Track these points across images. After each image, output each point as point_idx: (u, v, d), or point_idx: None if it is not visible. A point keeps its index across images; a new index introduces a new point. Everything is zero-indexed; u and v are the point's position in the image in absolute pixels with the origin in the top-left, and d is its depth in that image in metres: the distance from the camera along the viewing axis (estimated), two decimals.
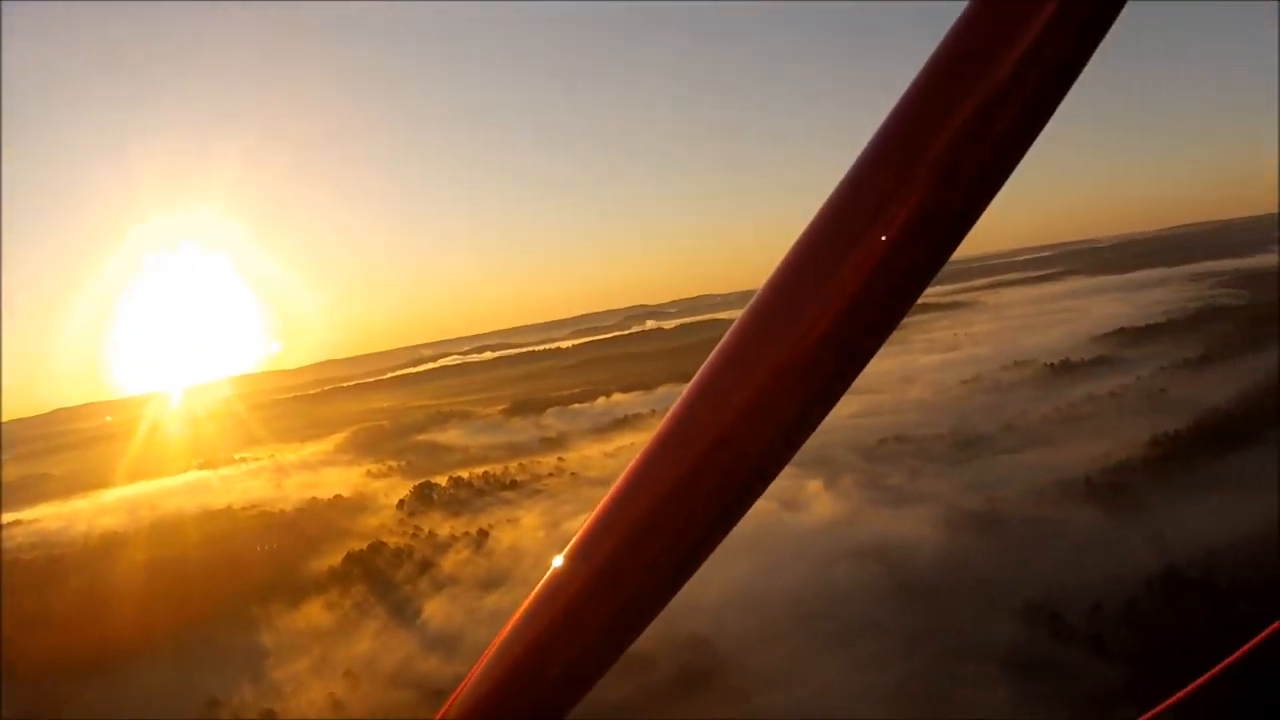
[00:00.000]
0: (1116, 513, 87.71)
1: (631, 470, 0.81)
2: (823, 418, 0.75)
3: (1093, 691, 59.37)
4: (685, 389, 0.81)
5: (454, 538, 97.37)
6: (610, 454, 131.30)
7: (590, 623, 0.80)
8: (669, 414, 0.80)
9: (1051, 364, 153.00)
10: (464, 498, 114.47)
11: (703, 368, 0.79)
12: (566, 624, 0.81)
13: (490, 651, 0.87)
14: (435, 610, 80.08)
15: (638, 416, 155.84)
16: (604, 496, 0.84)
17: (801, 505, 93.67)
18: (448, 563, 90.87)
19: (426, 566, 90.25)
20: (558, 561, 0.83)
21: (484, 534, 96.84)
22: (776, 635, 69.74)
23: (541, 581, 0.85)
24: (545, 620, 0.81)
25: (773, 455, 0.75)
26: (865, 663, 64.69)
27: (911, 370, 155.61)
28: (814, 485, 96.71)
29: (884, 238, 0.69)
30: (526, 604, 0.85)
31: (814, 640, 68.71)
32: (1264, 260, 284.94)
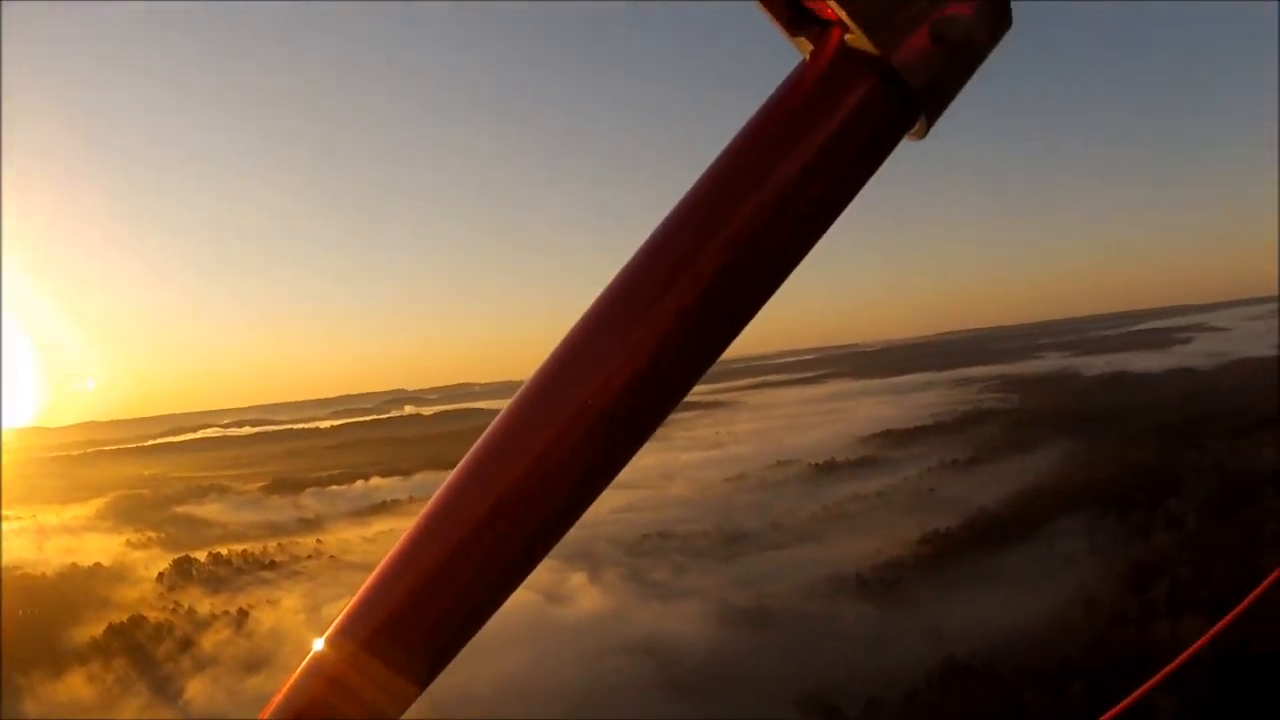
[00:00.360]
0: (890, 608, 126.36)
1: (401, 545, 1.36)
2: (597, 494, 1.30)
3: None
4: (462, 461, 1.31)
5: (214, 616, 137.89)
6: (369, 539, 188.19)
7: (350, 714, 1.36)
8: (445, 484, 1.32)
9: (817, 464, 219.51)
10: (223, 575, 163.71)
11: (481, 439, 1.32)
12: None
13: None
14: (197, 691, 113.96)
15: (396, 502, 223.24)
16: (370, 575, 1.39)
17: (567, 598, 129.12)
18: (208, 641, 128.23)
19: (187, 644, 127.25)
20: (318, 644, 1.41)
21: (244, 614, 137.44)
22: None
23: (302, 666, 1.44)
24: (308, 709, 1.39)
25: (543, 532, 1.29)
26: None
27: (673, 467, 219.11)
28: (578, 578, 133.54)
29: (663, 323, 1.21)
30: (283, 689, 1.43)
31: None
32: (1029, 366, 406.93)
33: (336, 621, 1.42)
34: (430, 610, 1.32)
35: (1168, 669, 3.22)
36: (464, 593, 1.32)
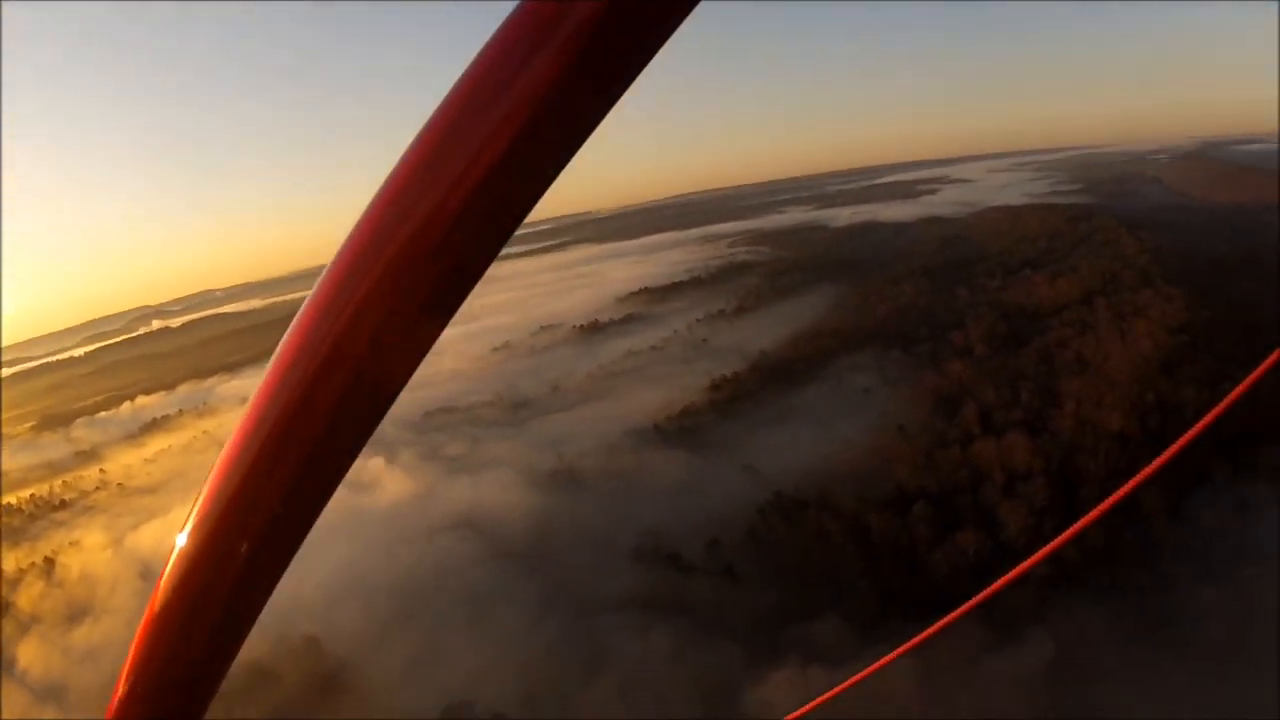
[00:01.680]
0: (698, 453, 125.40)
1: (227, 453, 1.52)
2: (396, 391, 1.49)
3: (746, 616, 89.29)
4: (270, 363, 1.48)
5: (21, 571, 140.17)
6: (149, 459, 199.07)
7: (217, 599, 1.57)
8: (261, 385, 1.48)
9: (581, 326, 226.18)
10: (18, 525, 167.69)
11: (273, 359, 1.48)
12: (195, 605, 1.58)
13: (133, 651, 1.67)
14: (30, 656, 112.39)
15: (166, 418, 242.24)
16: (206, 482, 1.55)
17: (372, 485, 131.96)
18: (23, 599, 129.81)
19: (3, 608, 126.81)
20: (180, 542, 1.57)
21: (50, 562, 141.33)
22: (401, 623, 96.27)
23: (164, 572, 1.60)
24: (176, 607, 1.59)
25: (351, 431, 1.47)
26: (507, 636, 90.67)
27: (438, 343, 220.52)
28: (375, 463, 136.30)
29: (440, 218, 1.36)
30: (154, 598, 1.62)
31: (441, 623, 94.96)
32: (774, 221, 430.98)
33: (191, 523, 1.56)
34: (267, 502, 1.49)
35: (1048, 548, 3.43)
36: (295, 483, 1.49)
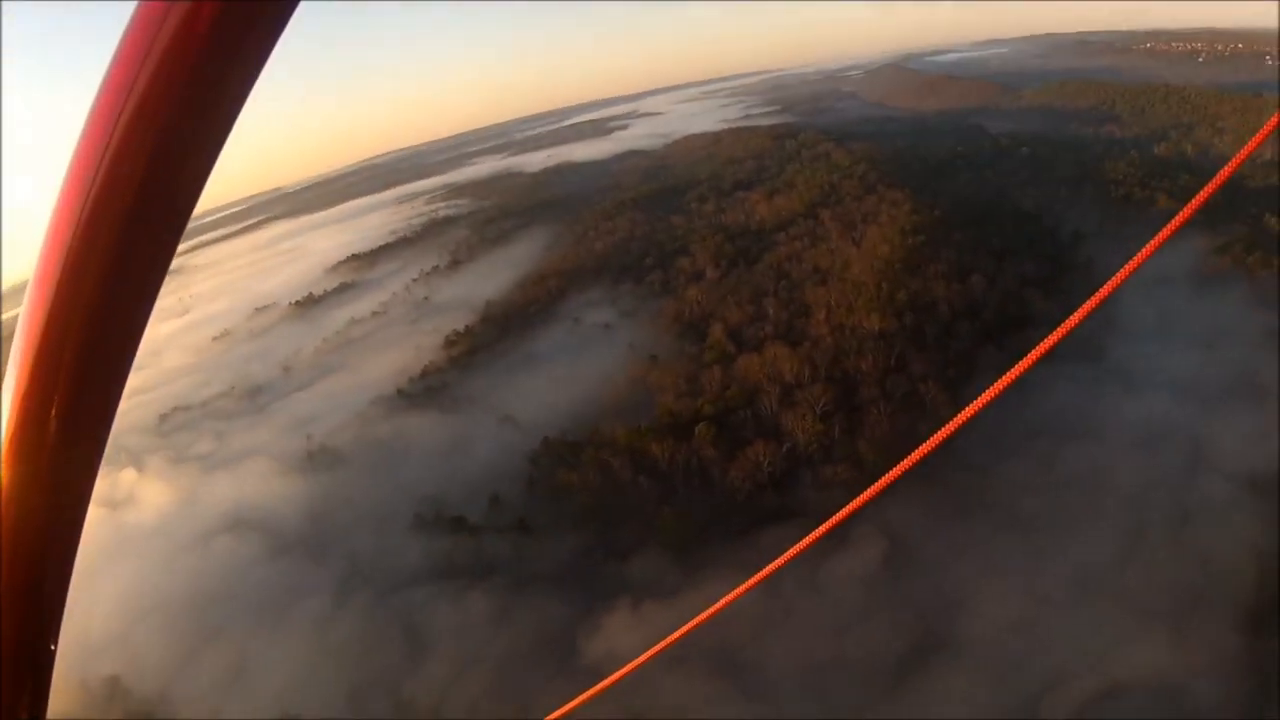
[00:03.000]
0: (451, 412, 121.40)
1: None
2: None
3: (558, 565, 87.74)
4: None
5: None
6: None
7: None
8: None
9: (297, 301, 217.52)
10: None
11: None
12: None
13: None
14: None
15: None
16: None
17: (130, 501, 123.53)
18: None
19: None
20: None
21: None
22: (203, 639, 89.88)
23: None
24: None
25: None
26: (315, 630, 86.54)
27: (155, 342, 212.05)
28: (126, 476, 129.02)
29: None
30: None
31: (243, 631, 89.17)
32: (468, 173, 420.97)
33: None
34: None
35: (909, 460, 3.46)
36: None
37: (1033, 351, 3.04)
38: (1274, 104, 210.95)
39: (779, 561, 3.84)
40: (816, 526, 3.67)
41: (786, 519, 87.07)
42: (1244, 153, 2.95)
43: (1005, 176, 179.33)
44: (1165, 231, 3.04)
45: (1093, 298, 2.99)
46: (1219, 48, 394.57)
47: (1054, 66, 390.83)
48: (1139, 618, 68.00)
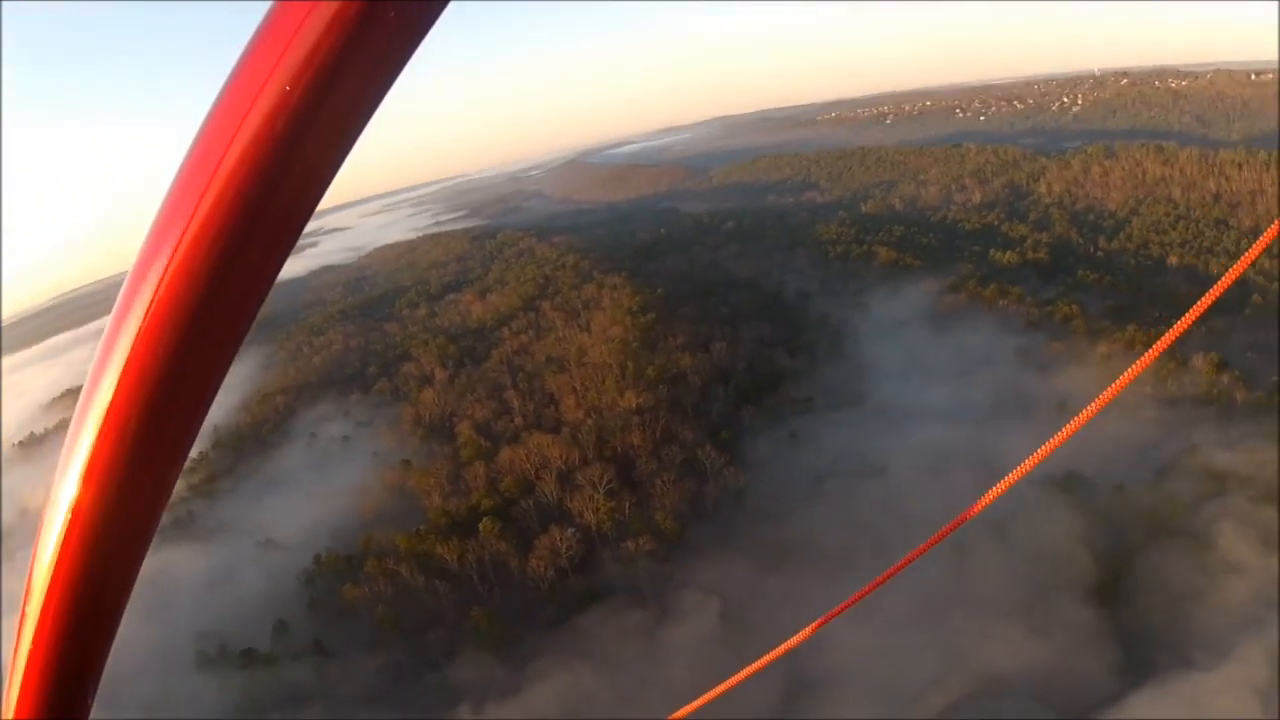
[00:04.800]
0: (208, 542, 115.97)
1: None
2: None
3: (371, 683, 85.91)
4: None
5: None
6: None
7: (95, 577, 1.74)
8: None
9: (20, 441, 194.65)
10: None
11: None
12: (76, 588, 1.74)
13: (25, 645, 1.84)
14: None
15: None
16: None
17: None
18: None
19: None
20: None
21: None
22: None
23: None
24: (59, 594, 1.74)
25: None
26: None
27: None
28: None
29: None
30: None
31: None
32: None
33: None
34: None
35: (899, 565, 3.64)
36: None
37: (1139, 360, 3.29)
38: (974, 151, 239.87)
39: (839, 609, 4.21)
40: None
41: (600, 598, 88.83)
42: None
43: (715, 251, 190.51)
44: (1243, 261, 3.27)
45: (1203, 300, 3.17)
46: (906, 108, 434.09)
47: (738, 145, 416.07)
48: (992, 618, 73.98)
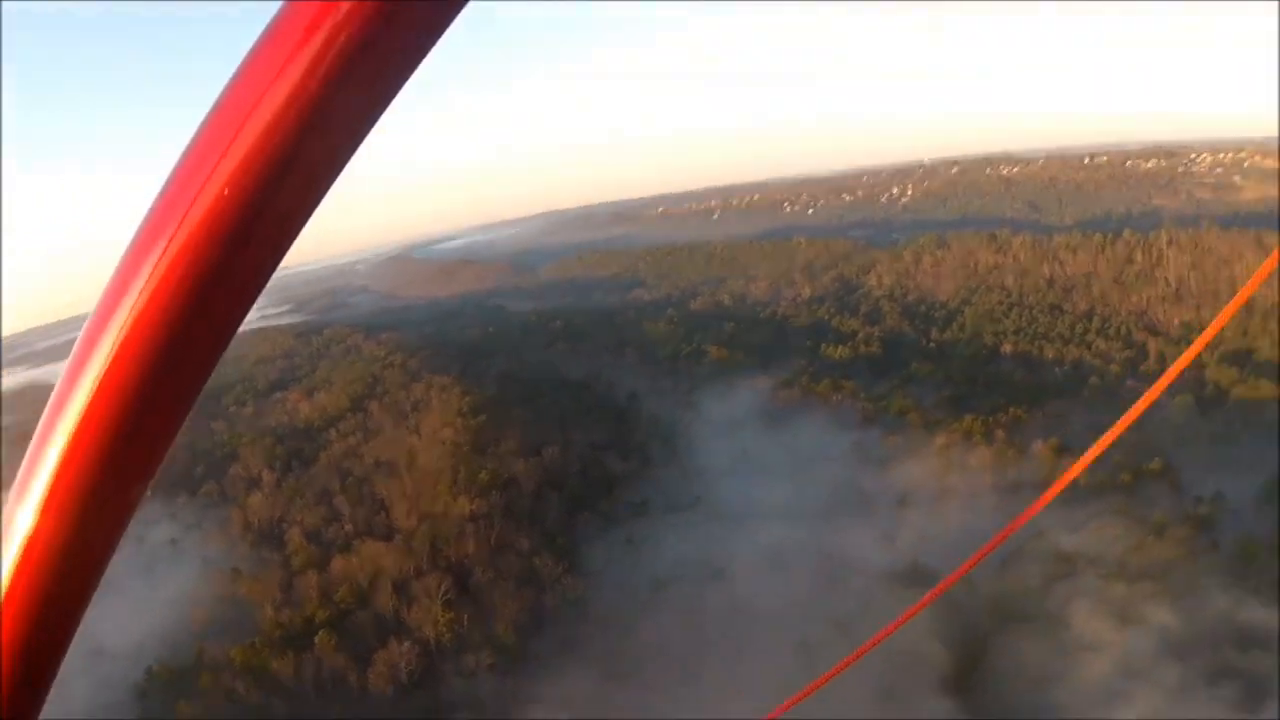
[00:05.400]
0: None
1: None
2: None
3: None
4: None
5: None
6: None
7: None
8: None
9: None
10: None
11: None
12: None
13: None
14: None
15: None
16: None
17: None
18: None
19: None
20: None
21: None
22: None
23: None
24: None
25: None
26: None
27: None
28: None
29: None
30: None
31: None
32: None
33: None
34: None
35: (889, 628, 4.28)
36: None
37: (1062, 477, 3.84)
38: (803, 245, 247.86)
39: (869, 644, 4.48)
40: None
41: (444, 715, 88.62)
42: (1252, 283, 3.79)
43: (545, 350, 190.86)
44: (1184, 359, 3.78)
45: (1121, 421, 3.63)
46: (733, 203, 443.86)
47: (566, 241, 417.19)
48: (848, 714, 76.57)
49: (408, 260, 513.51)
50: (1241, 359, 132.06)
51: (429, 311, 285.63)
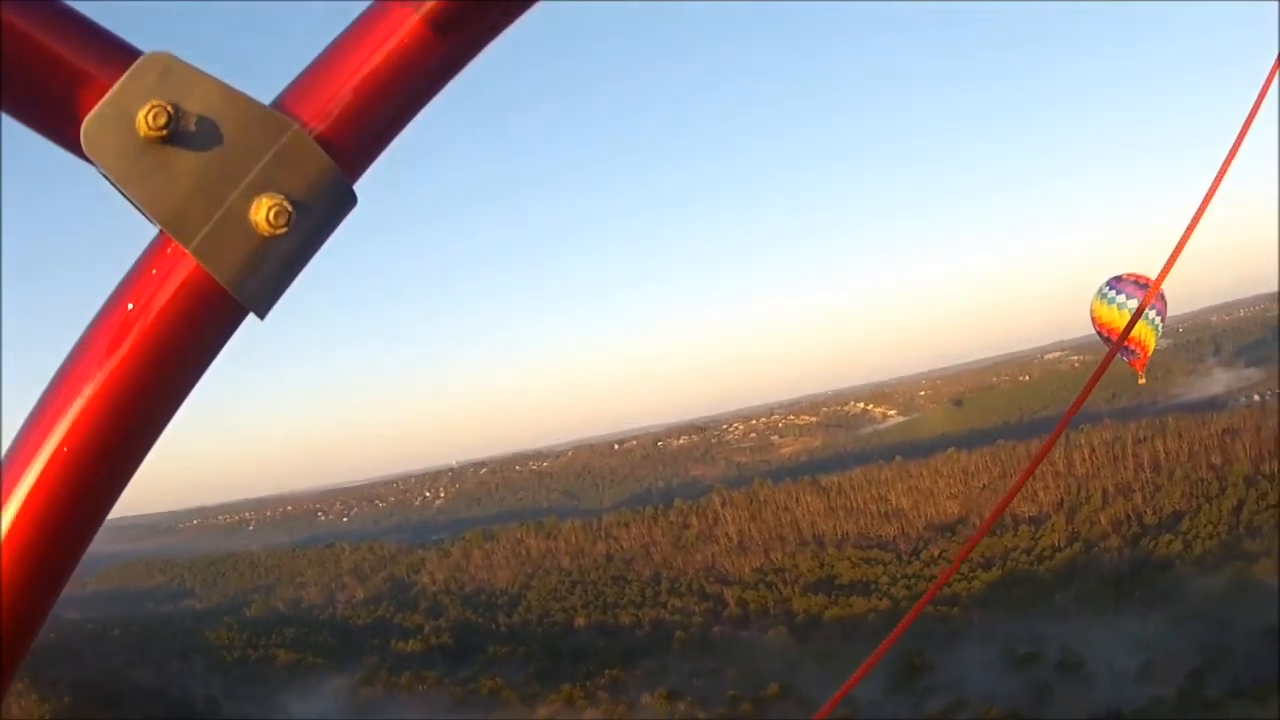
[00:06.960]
0: None
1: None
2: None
3: None
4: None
5: None
6: None
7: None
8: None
9: None
10: None
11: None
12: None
13: None
14: None
15: None
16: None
17: None
18: None
19: None
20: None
21: None
22: None
23: None
24: None
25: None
26: None
27: None
28: None
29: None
30: None
31: None
32: None
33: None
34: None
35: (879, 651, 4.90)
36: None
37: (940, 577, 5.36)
38: (347, 550, 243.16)
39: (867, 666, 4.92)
40: None
41: None
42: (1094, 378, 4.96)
43: (110, 659, 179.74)
44: (1073, 408, 5.09)
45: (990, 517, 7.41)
46: (266, 513, 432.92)
47: (104, 552, 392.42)
48: None
49: None
50: (825, 585, 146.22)
51: None
